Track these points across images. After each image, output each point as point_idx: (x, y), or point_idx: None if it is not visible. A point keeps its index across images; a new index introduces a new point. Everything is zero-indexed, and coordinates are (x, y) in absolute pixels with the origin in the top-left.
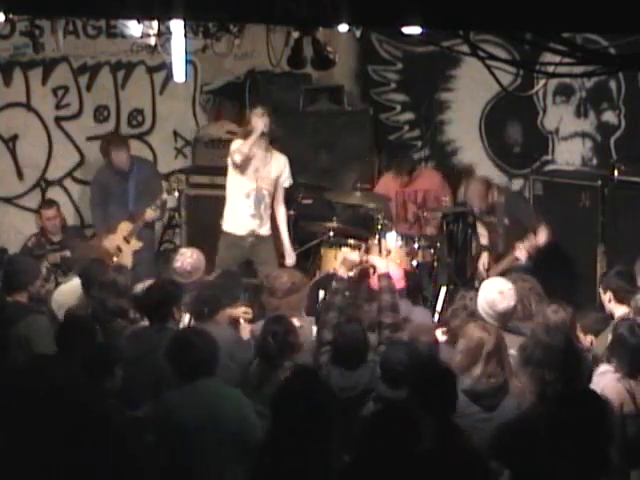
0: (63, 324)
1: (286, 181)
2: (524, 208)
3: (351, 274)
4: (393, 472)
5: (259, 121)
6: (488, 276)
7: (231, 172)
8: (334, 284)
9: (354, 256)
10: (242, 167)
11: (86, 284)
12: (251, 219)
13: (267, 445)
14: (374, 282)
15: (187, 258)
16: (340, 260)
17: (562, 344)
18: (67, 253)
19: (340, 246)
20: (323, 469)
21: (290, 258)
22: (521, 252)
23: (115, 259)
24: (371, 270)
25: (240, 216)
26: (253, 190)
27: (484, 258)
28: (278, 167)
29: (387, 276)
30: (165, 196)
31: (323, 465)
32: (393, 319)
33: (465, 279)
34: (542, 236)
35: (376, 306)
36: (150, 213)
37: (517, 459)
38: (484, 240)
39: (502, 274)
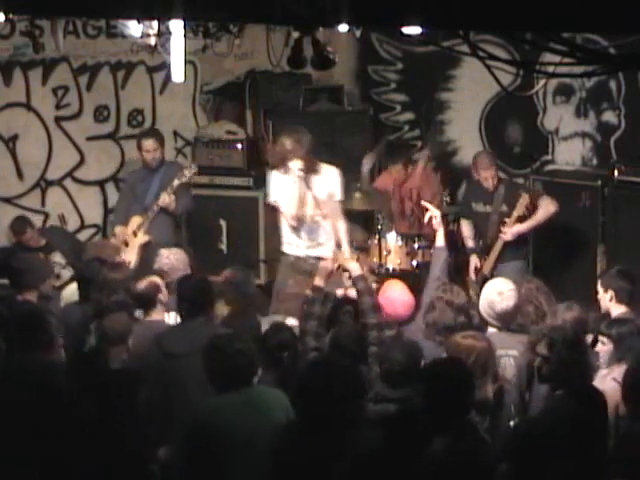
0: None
1: (336, 196)
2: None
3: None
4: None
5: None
6: (479, 278)
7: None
8: (310, 294)
9: (327, 264)
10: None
11: (83, 285)
12: (307, 249)
13: (288, 432)
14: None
15: (164, 259)
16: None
17: (569, 340)
18: (57, 256)
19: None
20: (342, 453)
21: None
22: (506, 234)
23: (121, 254)
24: (346, 274)
25: (297, 243)
26: (303, 221)
27: (474, 262)
28: (324, 188)
29: (362, 278)
30: (176, 182)
31: (342, 449)
32: (377, 319)
33: (464, 279)
34: (545, 209)
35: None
36: (165, 197)
37: (526, 459)
38: (470, 243)
39: (502, 252)
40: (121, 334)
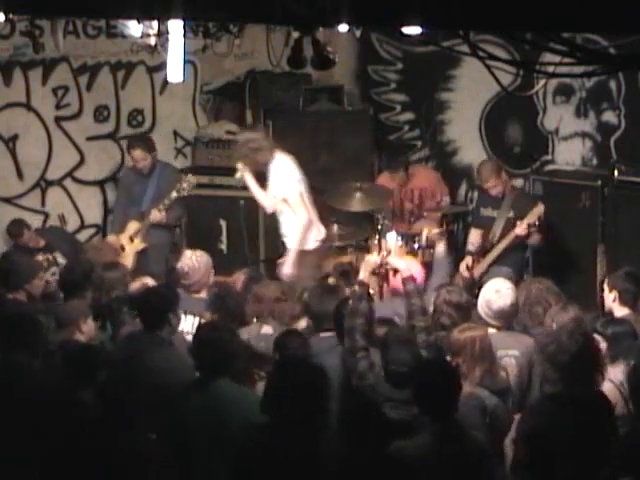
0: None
1: (280, 193)
2: (530, 208)
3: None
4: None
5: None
6: (468, 280)
7: None
8: (357, 289)
9: (375, 258)
10: None
11: (69, 285)
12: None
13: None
14: (397, 284)
15: (186, 259)
16: (362, 264)
17: (575, 349)
18: (57, 256)
19: (340, 246)
20: (314, 451)
21: (286, 268)
22: (521, 228)
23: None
24: (392, 273)
25: None
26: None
27: (467, 260)
28: (274, 183)
29: (412, 279)
30: (175, 194)
31: (314, 447)
32: (426, 322)
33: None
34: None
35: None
36: (155, 214)
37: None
38: (472, 247)
39: (501, 255)
40: (72, 318)
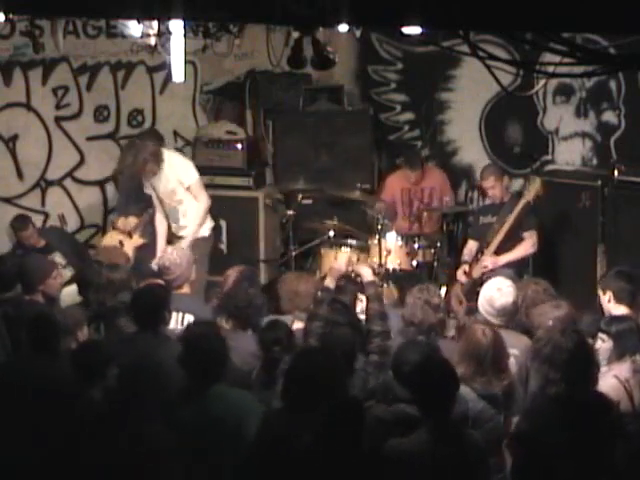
0: (30, 327)
1: (185, 181)
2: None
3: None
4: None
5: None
6: (468, 283)
7: None
8: (319, 294)
9: (340, 266)
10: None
11: (83, 287)
12: (175, 231)
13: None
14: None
15: (168, 255)
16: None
17: (572, 346)
18: (57, 256)
19: (340, 246)
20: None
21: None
22: (486, 262)
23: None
24: (357, 279)
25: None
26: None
27: (464, 267)
28: (173, 176)
29: (373, 284)
30: None
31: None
32: (382, 327)
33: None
34: (527, 245)
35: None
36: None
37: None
38: (467, 257)
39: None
40: (69, 326)
